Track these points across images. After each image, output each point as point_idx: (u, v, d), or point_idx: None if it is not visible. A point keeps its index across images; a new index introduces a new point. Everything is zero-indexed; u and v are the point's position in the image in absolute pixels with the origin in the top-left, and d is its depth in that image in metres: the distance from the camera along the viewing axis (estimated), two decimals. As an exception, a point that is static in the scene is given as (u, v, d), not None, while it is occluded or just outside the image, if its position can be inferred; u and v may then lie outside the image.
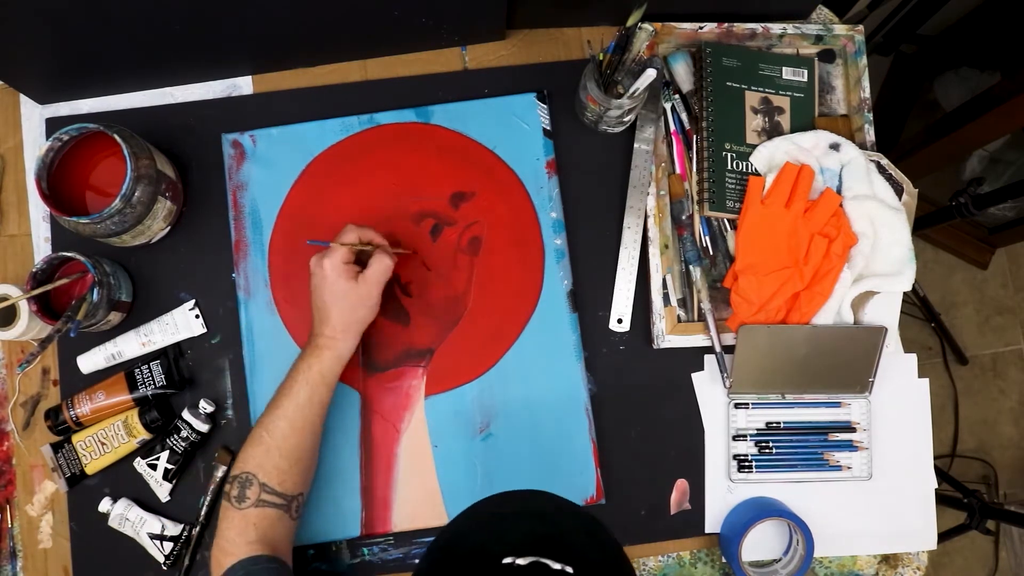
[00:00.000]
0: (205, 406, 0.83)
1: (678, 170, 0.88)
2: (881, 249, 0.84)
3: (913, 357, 0.91)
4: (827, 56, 0.92)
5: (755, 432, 0.88)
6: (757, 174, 0.86)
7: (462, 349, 0.86)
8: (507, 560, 0.45)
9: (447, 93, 0.91)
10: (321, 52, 0.90)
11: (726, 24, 0.88)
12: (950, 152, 1.50)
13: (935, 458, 0.91)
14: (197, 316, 0.86)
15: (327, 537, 0.83)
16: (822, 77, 0.92)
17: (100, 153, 0.81)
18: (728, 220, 0.87)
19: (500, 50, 0.93)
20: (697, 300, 0.85)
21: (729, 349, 0.85)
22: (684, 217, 0.87)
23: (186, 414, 0.82)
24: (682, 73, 0.89)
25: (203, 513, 0.83)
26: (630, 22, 0.76)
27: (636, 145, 0.89)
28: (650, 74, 0.77)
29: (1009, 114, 1.26)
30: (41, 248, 0.88)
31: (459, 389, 0.85)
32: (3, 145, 0.90)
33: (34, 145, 0.90)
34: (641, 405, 0.88)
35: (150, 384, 0.83)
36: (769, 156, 0.85)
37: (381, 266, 0.75)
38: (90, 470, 0.82)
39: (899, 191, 0.86)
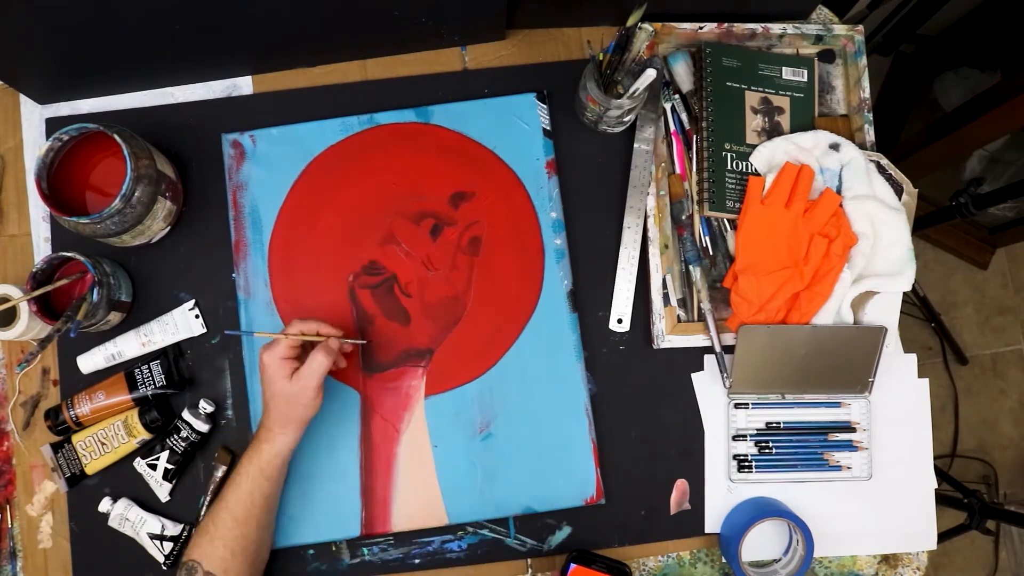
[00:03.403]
0: (205, 406, 0.83)
1: (678, 170, 0.88)
2: (881, 249, 0.84)
3: (913, 357, 0.91)
4: (827, 56, 0.92)
5: (755, 432, 0.88)
6: (757, 174, 0.86)
7: (462, 349, 0.86)
8: None
9: (447, 93, 0.91)
10: (321, 52, 0.90)
11: (726, 24, 0.88)
12: (950, 152, 1.49)
13: (935, 458, 0.90)
14: (197, 316, 0.86)
15: (327, 537, 0.83)
16: (822, 77, 0.92)
17: (100, 153, 0.81)
18: (728, 220, 0.87)
19: (500, 50, 0.93)
20: (697, 300, 0.85)
21: (729, 349, 0.85)
22: (684, 217, 0.87)
23: (186, 414, 0.82)
24: (682, 73, 0.89)
25: (203, 513, 0.83)
26: (630, 22, 0.76)
27: (636, 145, 0.89)
28: (650, 74, 0.77)
29: (1009, 114, 1.25)
30: (41, 248, 0.88)
31: (459, 389, 0.85)
32: (3, 145, 0.90)
33: (34, 145, 0.90)
34: (641, 405, 0.88)
35: (150, 384, 0.83)
36: (769, 156, 0.85)
37: (315, 364, 0.73)
38: (90, 470, 0.82)
39: (899, 191, 0.86)
